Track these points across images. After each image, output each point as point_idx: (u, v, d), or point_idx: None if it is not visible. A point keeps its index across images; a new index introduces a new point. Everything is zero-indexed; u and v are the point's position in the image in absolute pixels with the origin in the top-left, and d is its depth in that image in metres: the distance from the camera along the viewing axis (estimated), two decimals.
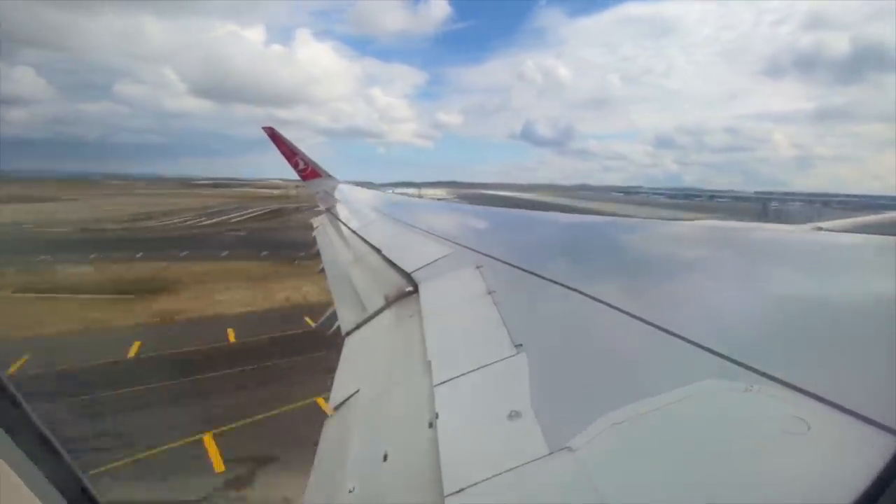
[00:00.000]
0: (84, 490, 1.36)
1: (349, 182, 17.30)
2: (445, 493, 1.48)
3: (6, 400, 1.27)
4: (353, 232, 7.87)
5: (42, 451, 1.27)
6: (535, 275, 3.19)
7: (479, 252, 4.20)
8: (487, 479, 1.48)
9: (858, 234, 3.31)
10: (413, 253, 4.96)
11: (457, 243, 4.78)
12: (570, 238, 4.74)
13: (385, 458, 1.95)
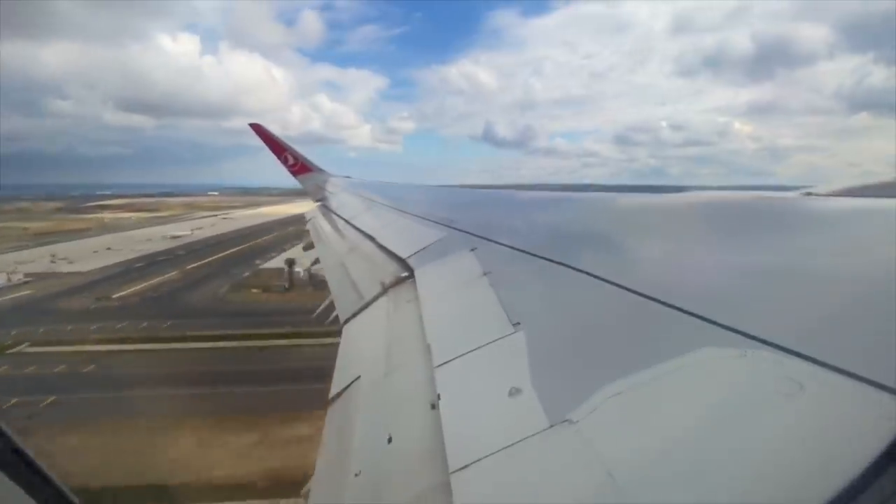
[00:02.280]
0: (61, 495, 1.34)
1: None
2: (450, 470, 1.50)
3: None
4: (346, 221, 7.85)
5: (18, 467, 1.25)
6: (530, 254, 3.20)
7: (473, 234, 4.20)
8: (491, 454, 1.51)
9: (848, 198, 3.33)
10: (407, 239, 4.95)
11: (450, 227, 4.77)
12: (562, 216, 4.74)
13: (389, 440, 1.97)
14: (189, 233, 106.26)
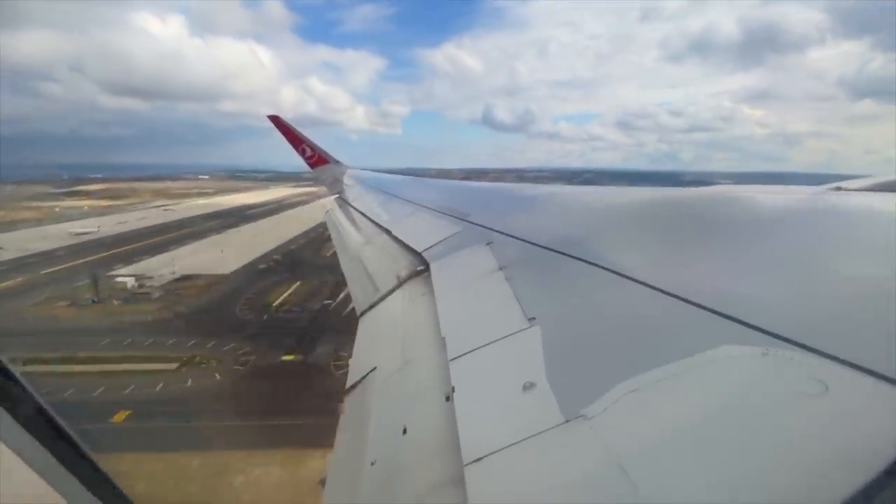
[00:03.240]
0: (98, 472, 1.38)
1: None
2: (464, 462, 1.52)
3: (16, 389, 1.29)
4: (363, 215, 7.90)
5: (55, 441, 1.28)
6: (546, 248, 3.18)
7: (489, 228, 4.19)
8: (505, 447, 1.52)
9: (878, 193, 3.21)
10: (423, 232, 4.97)
11: (466, 221, 4.77)
12: (579, 210, 4.69)
13: (405, 431, 2.00)
14: (96, 229, 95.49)
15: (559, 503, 1.29)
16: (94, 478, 1.34)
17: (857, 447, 1.11)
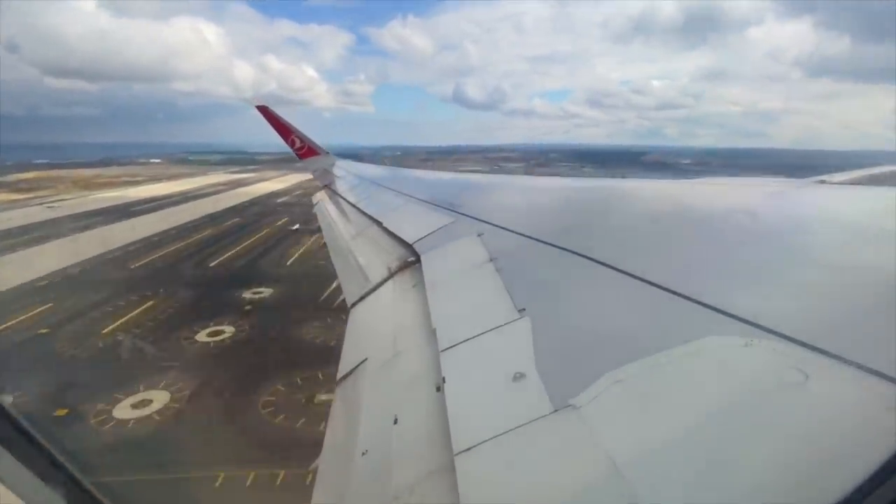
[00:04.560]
0: (86, 492, 1.35)
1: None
2: (454, 452, 1.54)
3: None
4: (353, 206, 7.85)
5: (40, 462, 1.24)
6: (536, 240, 3.20)
7: (479, 220, 4.20)
8: (495, 437, 1.54)
9: (859, 187, 3.28)
10: (414, 224, 4.96)
11: (457, 212, 4.77)
12: (569, 202, 4.71)
13: (396, 421, 2.01)
14: None
15: (548, 492, 1.32)
16: (79, 496, 1.31)
17: (834, 434, 1.15)
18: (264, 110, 15.49)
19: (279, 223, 56.81)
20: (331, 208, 8.95)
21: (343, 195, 9.31)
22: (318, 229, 8.21)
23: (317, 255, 35.43)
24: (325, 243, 6.47)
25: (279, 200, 78.00)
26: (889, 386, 1.18)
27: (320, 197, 10.72)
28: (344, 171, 12.88)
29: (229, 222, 58.18)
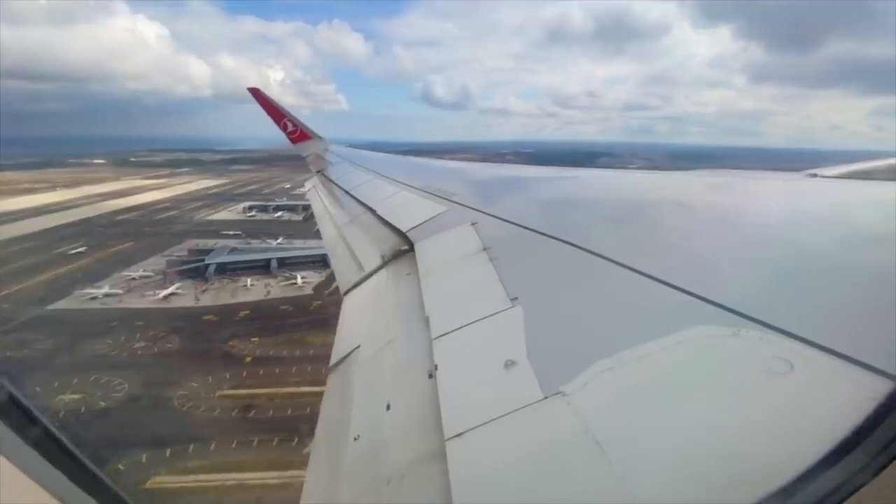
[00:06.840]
0: (102, 483, 1.35)
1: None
2: (446, 437, 1.56)
3: (11, 401, 1.24)
4: (347, 192, 7.79)
5: (56, 451, 1.23)
6: (529, 229, 3.21)
7: (473, 209, 4.19)
8: (485, 423, 1.56)
9: (850, 180, 3.32)
10: (408, 212, 4.94)
11: (451, 201, 4.75)
12: (562, 192, 4.72)
13: (388, 407, 2.03)
14: None
15: (537, 477, 1.34)
16: (89, 479, 1.32)
17: (817, 421, 1.19)
18: (257, 93, 15.20)
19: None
20: (323, 194, 8.87)
21: (336, 181, 9.22)
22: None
23: None
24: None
25: (124, 217, 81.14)
26: (872, 376, 1.21)
27: (313, 183, 10.61)
28: (338, 157, 12.73)
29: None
